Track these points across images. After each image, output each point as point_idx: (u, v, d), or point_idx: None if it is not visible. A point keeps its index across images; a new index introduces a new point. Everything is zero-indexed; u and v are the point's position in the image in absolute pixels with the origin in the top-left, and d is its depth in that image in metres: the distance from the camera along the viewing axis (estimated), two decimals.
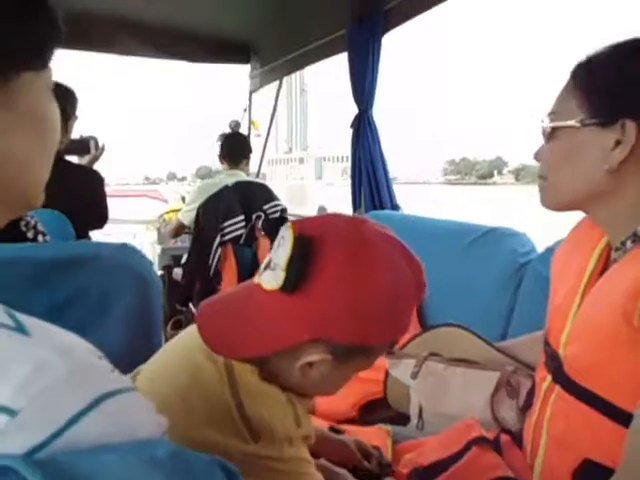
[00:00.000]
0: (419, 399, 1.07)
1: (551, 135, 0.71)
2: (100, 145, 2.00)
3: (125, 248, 1.07)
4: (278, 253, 0.53)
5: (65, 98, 1.74)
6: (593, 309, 0.68)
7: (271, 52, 2.94)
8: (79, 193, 1.69)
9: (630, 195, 0.66)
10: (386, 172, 2.03)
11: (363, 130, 2.01)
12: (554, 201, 0.75)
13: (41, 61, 0.39)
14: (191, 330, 0.61)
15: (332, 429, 0.92)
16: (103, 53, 2.77)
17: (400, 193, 2.12)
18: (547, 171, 0.73)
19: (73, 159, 1.96)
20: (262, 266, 0.57)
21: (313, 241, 0.51)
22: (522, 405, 0.95)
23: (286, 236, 0.53)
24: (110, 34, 2.53)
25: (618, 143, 0.64)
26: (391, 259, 0.53)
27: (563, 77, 0.73)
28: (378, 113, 2.01)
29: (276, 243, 0.55)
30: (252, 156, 2.61)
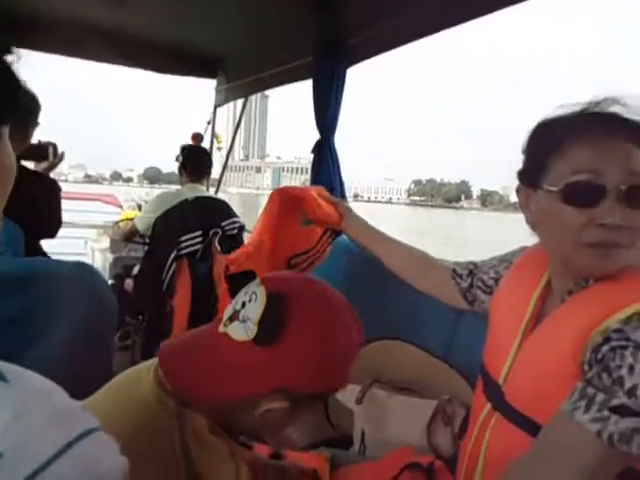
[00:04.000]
0: (362, 424, 1.12)
1: None
2: (59, 152, 1.97)
3: (82, 267, 1.08)
4: (249, 307, 0.58)
5: (27, 105, 1.71)
6: (541, 345, 0.74)
7: (238, 69, 2.98)
8: (34, 201, 1.66)
9: None
10: (344, 198, 2.09)
11: (324, 157, 2.07)
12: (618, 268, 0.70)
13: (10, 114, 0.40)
14: (140, 370, 0.62)
15: (274, 455, 0.96)
16: (69, 57, 2.72)
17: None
18: (631, 239, 0.68)
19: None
20: (226, 317, 0.61)
21: (283, 298, 0.58)
22: (457, 432, 1.02)
23: (258, 292, 0.58)
24: (78, 38, 2.49)
25: None
26: (344, 316, 0.61)
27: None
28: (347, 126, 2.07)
29: (244, 297, 0.60)
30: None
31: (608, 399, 0.61)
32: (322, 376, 0.58)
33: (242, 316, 0.58)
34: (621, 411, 0.59)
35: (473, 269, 1.03)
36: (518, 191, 0.81)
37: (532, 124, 0.78)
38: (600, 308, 0.67)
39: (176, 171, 2.46)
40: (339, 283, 1.34)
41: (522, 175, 0.79)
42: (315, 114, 2.11)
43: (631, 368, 0.60)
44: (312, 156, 2.16)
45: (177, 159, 2.44)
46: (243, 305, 0.59)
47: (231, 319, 0.60)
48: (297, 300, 0.58)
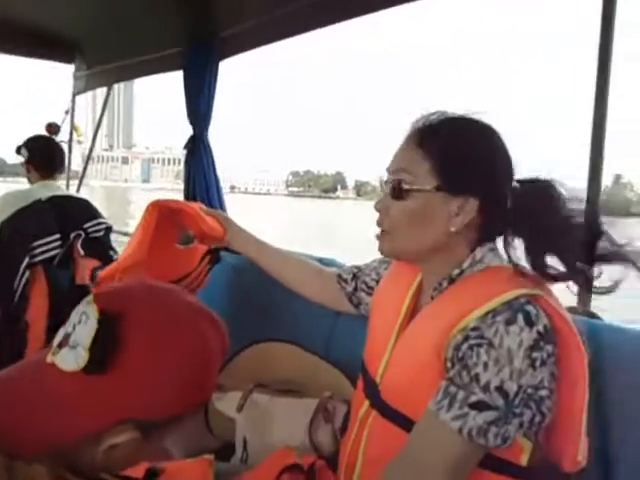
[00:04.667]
0: (244, 432, 1.09)
1: (400, 193, 0.76)
2: None
3: None
4: (79, 331, 0.50)
5: None
6: (410, 343, 0.78)
7: (100, 55, 2.72)
8: None
9: (459, 251, 0.77)
10: (221, 200, 2.03)
11: (197, 152, 1.98)
12: (394, 253, 0.83)
13: None
14: None
15: (151, 471, 0.88)
16: None
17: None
18: (390, 226, 0.78)
19: None
20: (55, 344, 0.52)
21: (118, 317, 0.50)
22: (339, 428, 1.04)
23: (89, 313, 0.50)
24: None
25: (460, 209, 0.74)
26: (197, 327, 0.55)
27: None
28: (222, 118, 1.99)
29: (75, 318, 0.52)
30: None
31: (467, 396, 0.65)
32: (173, 397, 0.52)
33: (72, 341, 0.50)
34: (479, 406, 0.64)
35: (357, 272, 1.06)
36: None
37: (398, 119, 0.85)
38: (460, 306, 0.71)
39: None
40: (211, 293, 1.29)
41: None
42: (187, 108, 2.02)
43: (485, 365, 0.65)
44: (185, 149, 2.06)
45: (19, 151, 2.12)
46: (74, 328, 0.51)
47: (60, 345, 0.51)
48: (134, 317, 0.51)
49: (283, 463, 0.89)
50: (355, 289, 1.05)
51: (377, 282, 0.99)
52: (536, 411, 0.64)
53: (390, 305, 0.86)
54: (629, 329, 0.88)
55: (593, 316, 1.05)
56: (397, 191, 0.76)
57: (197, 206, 1.17)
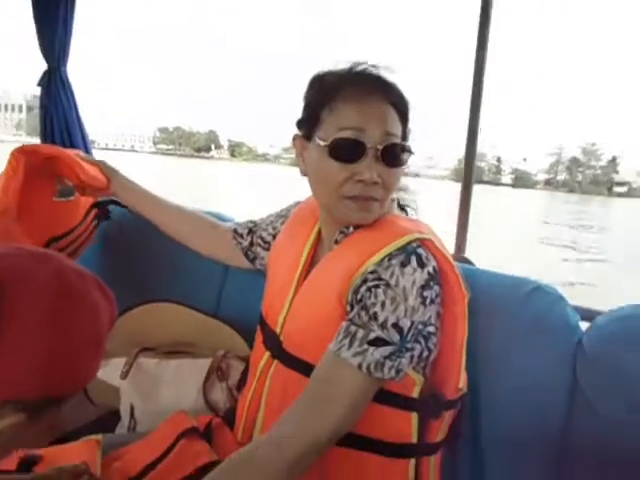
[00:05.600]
0: (130, 399, 1.02)
1: (401, 161, 0.75)
2: None
3: None
4: None
5: None
6: (312, 292, 0.79)
7: None
8: None
9: None
10: (86, 143, 1.78)
11: (55, 91, 1.70)
12: (374, 218, 0.78)
13: None
14: None
15: (25, 460, 0.78)
16: None
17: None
18: (384, 195, 0.75)
19: None
20: None
21: None
22: (236, 385, 1.03)
23: None
24: None
25: None
26: (89, 299, 0.49)
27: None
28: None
29: None
30: None
31: (366, 334, 0.68)
32: (62, 374, 0.47)
33: None
34: (377, 343, 0.68)
35: (252, 227, 1.04)
36: (294, 139, 0.82)
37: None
38: (360, 253, 0.74)
39: None
40: (85, 252, 1.15)
41: (299, 124, 0.81)
42: (38, 35, 1.69)
43: (383, 304, 0.69)
44: (36, 90, 1.76)
45: None
46: None
47: None
48: (15, 286, 0.44)
49: (180, 428, 0.86)
50: (251, 244, 1.03)
51: (274, 237, 0.98)
52: (424, 346, 0.71)
53: (288, 257, 0.86)
54: (499, 274, 0.96)
55: (467, 262, 1.16)
56: (398, 159, 0.74)
57: (74, 153, 1.04)
